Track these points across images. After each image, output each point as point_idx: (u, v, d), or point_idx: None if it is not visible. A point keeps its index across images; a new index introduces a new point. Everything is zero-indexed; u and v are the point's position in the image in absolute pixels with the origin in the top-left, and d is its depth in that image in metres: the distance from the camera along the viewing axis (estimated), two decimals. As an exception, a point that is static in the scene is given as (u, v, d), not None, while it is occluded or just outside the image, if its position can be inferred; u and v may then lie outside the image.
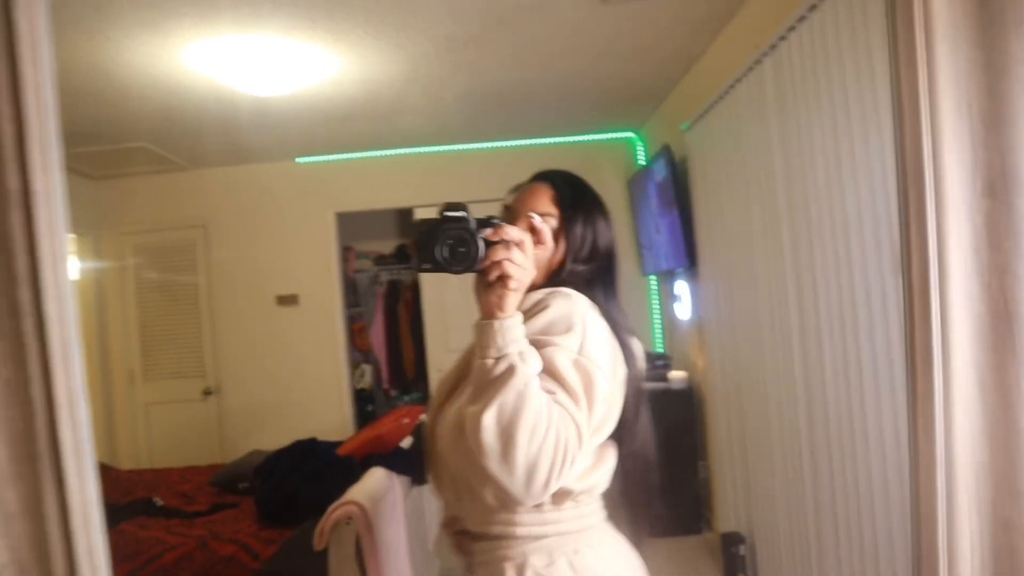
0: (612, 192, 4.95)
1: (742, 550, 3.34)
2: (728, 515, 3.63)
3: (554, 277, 1.25)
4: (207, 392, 4.87)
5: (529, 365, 0.98)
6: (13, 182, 0.56)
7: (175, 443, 4.75)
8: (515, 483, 0.96)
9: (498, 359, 0.98)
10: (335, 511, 2.40)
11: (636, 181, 4.62)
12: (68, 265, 0.58)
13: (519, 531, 1.16)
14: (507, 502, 1.08)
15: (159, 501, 3.04)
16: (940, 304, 0.81)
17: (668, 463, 4.33)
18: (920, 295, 0.83)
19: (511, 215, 1.23)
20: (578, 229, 1.27)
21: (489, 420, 0.95)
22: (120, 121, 3.72)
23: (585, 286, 1.23)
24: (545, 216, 1.24)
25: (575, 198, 1.29)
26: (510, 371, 0.96)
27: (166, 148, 4.31)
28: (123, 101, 3.36)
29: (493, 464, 0.95)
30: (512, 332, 0.99)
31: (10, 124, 0.56)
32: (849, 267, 2.21)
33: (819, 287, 2.45)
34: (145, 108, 3.49)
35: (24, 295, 0.57)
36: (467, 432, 0.97)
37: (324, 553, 2.32)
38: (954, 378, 0.82)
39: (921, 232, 0.80)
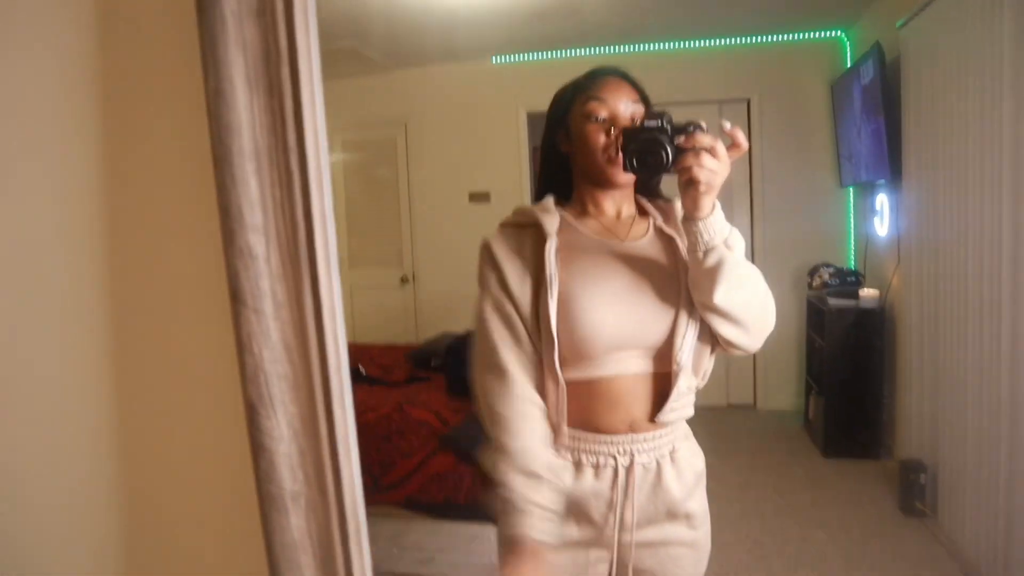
0: (813, 97, 4.67)
1: (922, 479, 3.22)
2: (910, 442, 3.48)
3: None
4: (404, 280, 5.30)
5: (736, 251, 1.11)
6: (283, 42, 0.70)
7: (376, 323, 5.23)
8: (752, 339, 1.19)
9: (706, 252, 1.10)
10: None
11: (840, 85, 4.32)
12: (322, 109, 0.71)
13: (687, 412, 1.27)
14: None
15: (363, 370, 3.42)
16: None
17: (851, 383, 4.19)
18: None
19: (605, 107, 1.22)
20: None
21: (721, 299, 1.11)
22: (329, 22, 4.00)
23: None
24: (635, 108, 1.24)
25: (644, 93, 1.28)
26: (721, 261, 1.09)
27: (369, 47, 4.58)
28: (330, 2, 3.61)
29: (735, 331, 1.17)
30: (713, 227, 1.09)
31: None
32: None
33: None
34: (351, 8, 3.72)
35: (291, 136, 0.71)
36: (717, 313, 1.14)
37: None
38: None
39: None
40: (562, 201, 1.32)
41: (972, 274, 2.75)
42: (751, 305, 1.16)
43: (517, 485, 1.11)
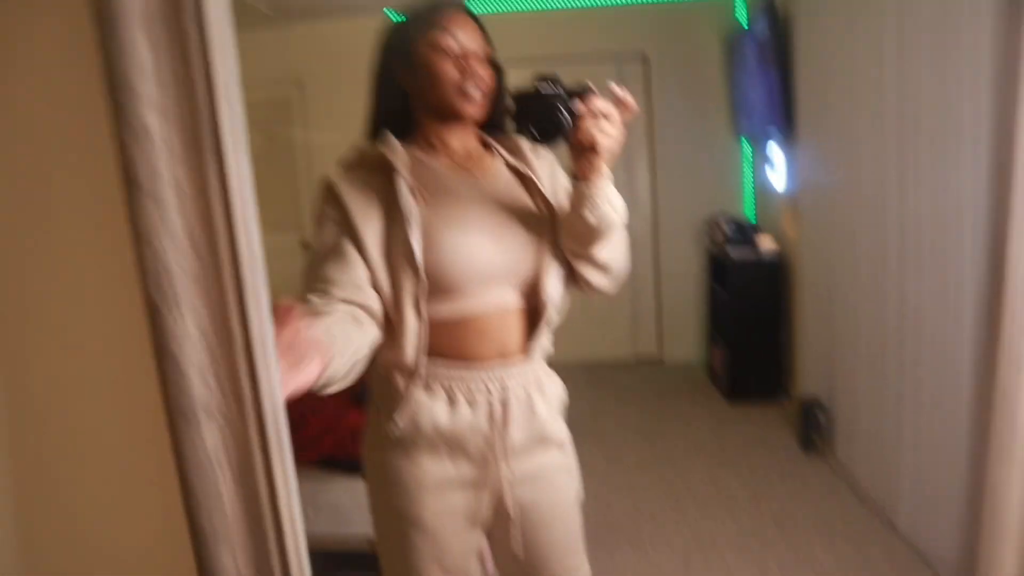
0: (709, 52, 4.74)
1: (820, 417, 3.38)
2: (808, 384, 3.65)
3: (494, 108, 1.25)
4: (305, 244, 5.11)
5: (620, 212, 1.16)
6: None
7: (276, 288, 5.02)
8: (615, 285, 1.31)
9: (596, 213, 1.12)
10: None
11: (735, 41, 4.42)
12: (232, 46, 0.62)
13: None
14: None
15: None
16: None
17: (752, 332, 4.31)
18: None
19: (455, 40, 1.18)
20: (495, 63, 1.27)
21: (602, 255, 1.21)
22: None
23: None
24: (485, 53, 1.21)
25: (486, 31, 1.25)
26: (610, 223, 1.14)
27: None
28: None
29: (604, 280, 1.28)
30: (605, 190, 1.12)
31: None
32: (957, 142, 2.08)
33: (921, 162, 2.34)
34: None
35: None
36: (594, 265, 1.24)
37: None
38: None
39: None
40: (403, 139, 1.25)
41: (862, 222, 2.87)
42: (622, 258, 1.27)
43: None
